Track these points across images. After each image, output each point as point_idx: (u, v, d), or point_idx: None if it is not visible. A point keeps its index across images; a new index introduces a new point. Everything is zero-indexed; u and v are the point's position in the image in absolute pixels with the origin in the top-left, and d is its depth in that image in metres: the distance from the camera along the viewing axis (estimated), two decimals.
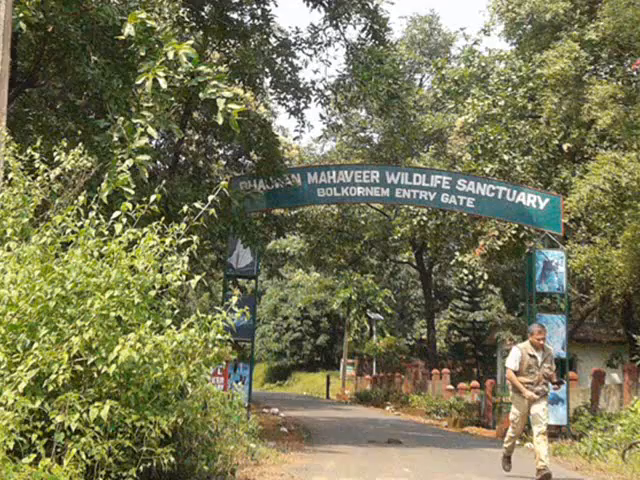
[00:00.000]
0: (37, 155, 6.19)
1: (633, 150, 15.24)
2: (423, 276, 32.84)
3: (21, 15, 8.29)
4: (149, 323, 5.17)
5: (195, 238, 5.69)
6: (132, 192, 6.64)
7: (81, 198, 5.74)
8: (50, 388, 4.68)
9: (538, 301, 15.65)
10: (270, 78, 15.33)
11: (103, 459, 4.62)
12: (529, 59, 18.99)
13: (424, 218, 19.37)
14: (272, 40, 15.07)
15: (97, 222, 5.60)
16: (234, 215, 12.83)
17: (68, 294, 5.06)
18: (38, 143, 6.30)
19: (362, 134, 31.29)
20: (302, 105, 15.75)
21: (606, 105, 15.62)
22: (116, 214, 5.60)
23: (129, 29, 7.94)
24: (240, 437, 7.71)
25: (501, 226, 17.07)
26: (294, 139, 24.20)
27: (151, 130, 8.07)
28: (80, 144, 6.52)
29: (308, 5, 14.48)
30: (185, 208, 5.80)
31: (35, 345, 4.77)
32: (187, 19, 13.92)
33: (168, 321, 5.42)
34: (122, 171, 6.73)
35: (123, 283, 5.25)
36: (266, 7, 14.68)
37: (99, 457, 4.60)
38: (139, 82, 7.84)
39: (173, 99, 9.05)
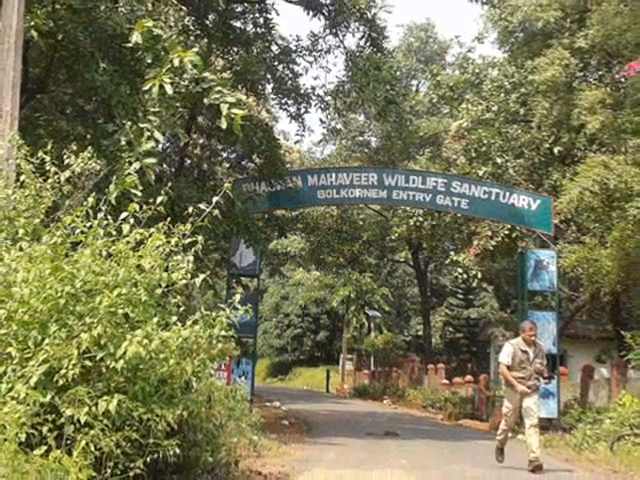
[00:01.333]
0: (48, 158, 6.18)
1: (621, 153, 15.23)
2: (419, 275, 32.82)
3: (32, 24, 8.29)
4: (155, 320, 5.16)
5: (200, 238, 5.69)
6: (139, 194, 6.64)
7: (90, 200, 5.73)
8: (60, 382, 4.67)
9: (530, 299, 15.64)
10: (272, 84, 15.34)
11: (111, 451, 4.62)
12: (521, 66, 18.98)
13: (420, 219, 19.37)
14: (274, 48, 15.09)
15: (105, 223, 5.59)
16: (237, 216, 12.83)
17: (78, 292, 5.06)
18: (49, 147, 6.29)
19: (360, 138, 31.27)
20: (302, 110, 15.77)
21: (595, 110, 15.61)
22: (124, 215, 5.59)
23: (136, 37, 7.95)
24: (243, 430, 7.69)
25: (494, 226, 17.06)
26: (295, 143, 24.28)
27: (157, 134, 8.07)
28: (89, 148, 6.51)
29: (309, 14, 14.48)
30: (190, 209, 5.79)
31: (46, 341, 4.77)
32: (192, 28, 13.88)
33: (174, 318, 5.41)
34: (129, 173, 6.73)
35: (130, 281, 5.25)
36: (268, 16, 14.70)
37: (107, 449, 4.59)
38: (146, 88, 7.85)
39: (178, 104, 9.04)
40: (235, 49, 15.06)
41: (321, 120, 17.04)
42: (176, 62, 7.77)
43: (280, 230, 21.49)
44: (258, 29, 14.85)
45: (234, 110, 7.76)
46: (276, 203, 15.90)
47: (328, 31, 14.82)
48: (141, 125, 8.10)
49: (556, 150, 17.98)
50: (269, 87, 15.73)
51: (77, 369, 4.68)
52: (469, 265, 17.91)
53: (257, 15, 14.95)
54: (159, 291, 5.44)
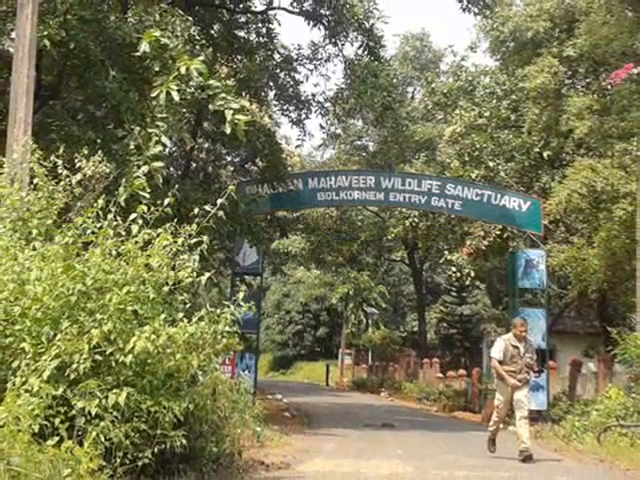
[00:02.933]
0: (60, 162, 6.19)
1: (608, 157, 15.23)
2: (415, 273, 32.82)
3: (45, 33, 8.30)
4: (163, 316, 5.17)
5: (205, 238, 5.70)
6: (147, 196, 6.64)
7: (100, 201, 5.74)
8: (72, 376, 4.69)
9: (520, 296, 15.63)
10: (274, 91, 15.35)
11: (121, 441, 4.63)
12: (512, 74, 18.97)
13: (416, 220, 19.32)
14: (276, 56, 15.08)
15: (115, 223, 5.60)
16: (241, 217, 12.82)
17: (88, 290, 5.06)
18: (61, 151, 6.29)
19: (359, 143, 31.25)
20: (303, 116, 15.78)
21: (583, 116, 15.60)
22: (132, 216, 5.61)
23: (144, 46, 7.96)
24: (246, 421, 7.70)
25: (486, 227, 17.04)
26: (296, 147, 24.20)
27: (165, 139, 8.08)
28: (99, 152, 6.52)
29: (309, 24, 14.48)
30: (196, 210, 5.80)
31: (58, 337, 4.78)
32: (198, 37, 13.86)
33: (180, 315, 5.42)
34: (138, 176, 6.75)
35: (139, 280, 5.26)
36: (270, 26, 14.71)
37: (117, 440, 4.60)
38: (154, 95, 7.86)
39: (185, 110, 9.05)
40: (239, 57, 15.07)
41: (321, 125, 17.12)
42: (182, 70, 7.78)
43: (282, 230, 21.49)
44: (261, 38, 14.85)
45: (238, 116, 7.76)
46: (278, 205, 15.89)
47: (328, 40, 14.82)
48: (149, 130, 8.10)
49: (545, 154, 17.97)
50: (271, 94, 15.75)
51: (88, 363, 4.69)
52: (463, 264, 17.89)
53: (260, 25, 14.96)
54: (166, 289, 5.45)
